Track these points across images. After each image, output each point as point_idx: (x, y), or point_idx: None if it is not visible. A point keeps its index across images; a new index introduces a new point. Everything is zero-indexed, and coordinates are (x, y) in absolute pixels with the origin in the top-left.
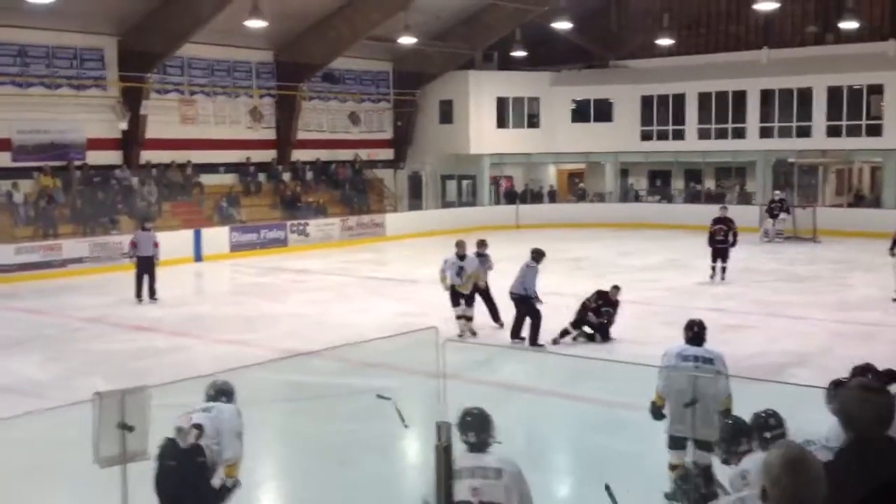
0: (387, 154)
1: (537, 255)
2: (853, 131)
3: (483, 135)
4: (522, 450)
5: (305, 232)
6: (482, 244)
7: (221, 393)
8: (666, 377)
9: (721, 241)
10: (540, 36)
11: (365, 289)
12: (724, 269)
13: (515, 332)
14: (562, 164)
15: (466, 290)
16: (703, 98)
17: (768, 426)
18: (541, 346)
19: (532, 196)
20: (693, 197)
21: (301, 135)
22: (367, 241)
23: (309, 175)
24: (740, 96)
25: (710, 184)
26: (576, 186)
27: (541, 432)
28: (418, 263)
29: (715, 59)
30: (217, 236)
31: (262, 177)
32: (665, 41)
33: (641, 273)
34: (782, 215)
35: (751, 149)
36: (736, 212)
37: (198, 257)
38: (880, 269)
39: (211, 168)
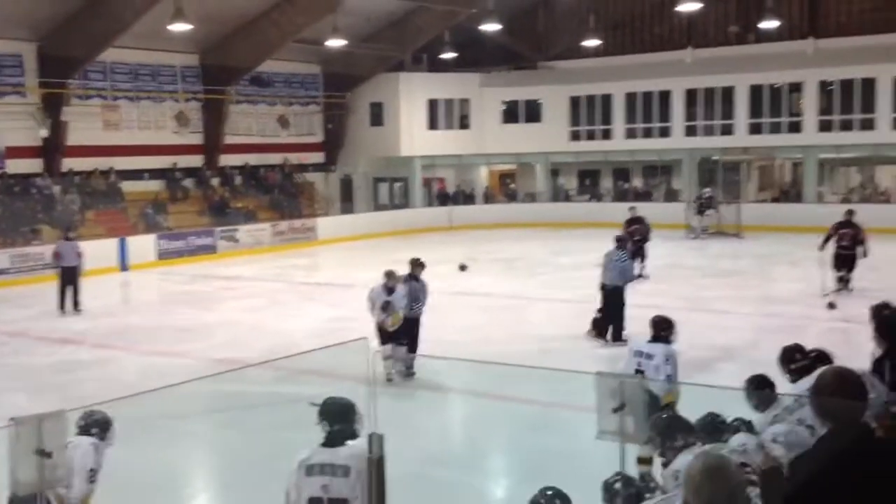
0: (317, 157)
1: (621, 242)
2: (774, 128)
3: (414, 137)
4: (459, 452)
5: (235, 238)
6: (417, 265)
7: (93, 425)
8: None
9: (639, 241)
10: (469, 38)
11: (298, 294)
12: (643, 268)
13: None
14: (493, 165)
15: (393, 326)
16: (630, 98)
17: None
18: (624, 340)
19: (464, 197)
20: (622, 195)
21: (229, 139)
22: (298, 245)
23: (238, 180)
24: (665, 96)
25: (637, 182)
26: (507, 187)
27: (476, 435)
28: (351, 267)
29: (641, 60)
30: (143, 244)
31: (189, 182)
32: (592, 42)
33: (573, 272)
34: (709, 211)
35: (676, 147)
36: (663, 209)
37: (123, 266)
38: (802, 263)
39: (136, 174)
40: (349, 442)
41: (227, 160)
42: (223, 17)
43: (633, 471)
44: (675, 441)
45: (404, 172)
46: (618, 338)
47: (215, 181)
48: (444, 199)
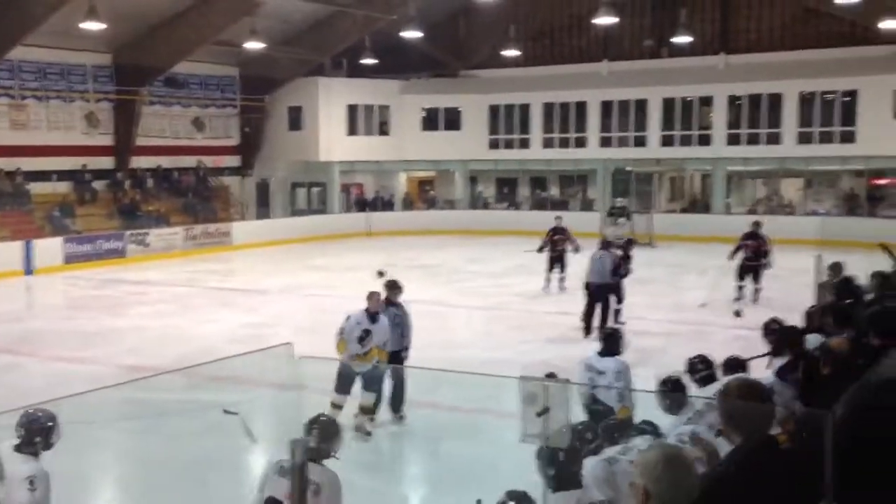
0: (233, 161)
1: (607, 245)
2: (685, 141)
3: (333, 142)
4: (378, 459)
5: (146, 242)
6: (394, 288)
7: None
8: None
9: (561, 251)
10: (390, 44)
11: (211, 300)
12: (562, 279)
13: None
14: (412, 172)
15: (364, 365)
16: (548, 108)
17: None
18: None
19: (383, 204)
20: (539, 204)
21: (141, 141)
22: (212, 250)
23: (150, 183)
24: (582, 107)
25: (554, 191)
26: (426, 194)
27: (401, 442)
28: (267, 273)
29: (558, 71)
30: (50, 247)
31: (99, 185)
32: (511, 52)
33: (490, 279)
34: (622, 220)
35: (592, 157)
36: (578, 218)
37: (28, 270)
38: (711, 271)
39: (43, 176)
40: (325, 462)
41: (139, 162)
42: (138, 17)
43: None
44: (588, 444)
45: (322, 178)
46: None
47: (126, 183)
48: (362, 205)
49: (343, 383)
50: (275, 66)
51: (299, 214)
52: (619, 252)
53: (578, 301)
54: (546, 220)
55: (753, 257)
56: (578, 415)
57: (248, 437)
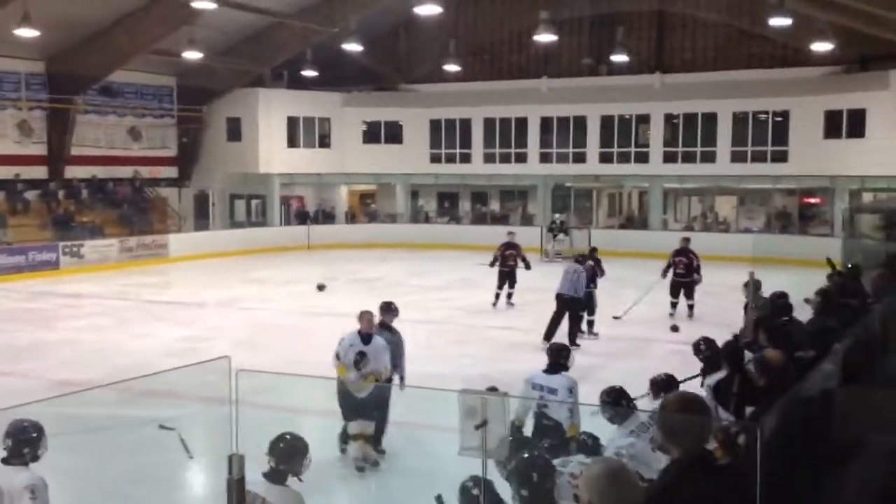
0: (170, 172)
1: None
2: (623, 158)
3: (273, 154)
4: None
5: (80, 254)
6: (389, 311)
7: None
8: (517, 402)
9: (512, 266)
10: (331, 56)
11: (147, 313)
12: (510, 295)
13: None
14: (353, 185)
15: (363, 391)
16: (489, 123)
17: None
18: (577, 345)
19: (324, 216)
20: (480, 218)
21: (76, 150)
22: (148, 262)
23: (84, 193)
24: (522, 123)
25: (495, 206)
26: (367, 207)
27: (338, 456)
28: (204, 286)
29: (499, 87)
30: None
31: (31, 195)
32: (452, 67)
33: (432, 293)
34: (561, 236)
35: (532, 173)
36: (519, 233)
37: None
38: (648, 286)
39: None
40: (290, 482)
41: (73, 172)
42: (73, 24)
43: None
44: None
45: (262, 190)
46: (573, 342)
47: (60, 194)
48: (303, 217)
49: (349, 409)
50: (213, 76)
51: (238, 227)
52: (591, 263)
53: (523, 316)
54: (487, 234)
55: (685, 273)
56: (528, 429)
57: (185, 453)
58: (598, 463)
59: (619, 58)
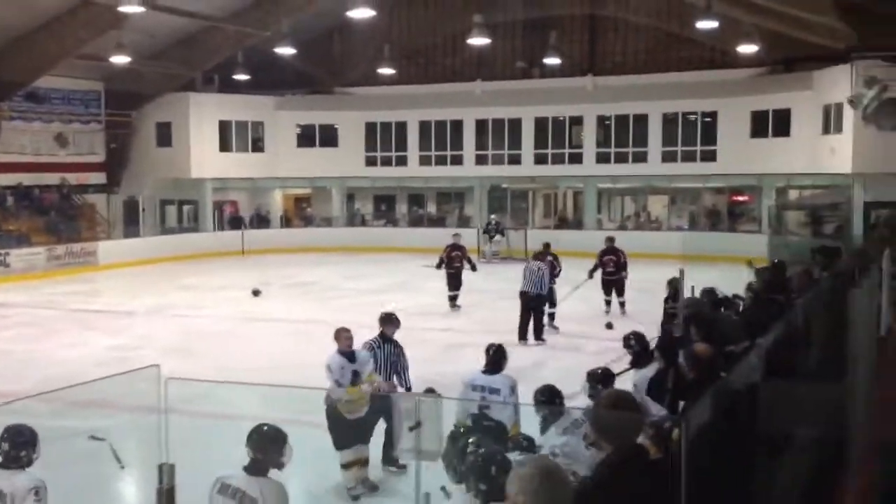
0: (99, 178)
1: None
2: (558, 159)
3: (205, 158)
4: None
5: (6, 262)
6: (390, 322)
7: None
8: (457, 406)
9: (458, 268)
10: (263, 60)
11: (76, 322)
12: (455, 297)
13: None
14: (288, 189)
15: (357, 410)
16: (424, 126)
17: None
18: (543, 339)
19: (258, 221)
20: (417, 221)
21: (1, 157)
22: (77, 271)
23: (10, 201)
24: (457, 125)
25: (432, 208)
26: (303, 211)
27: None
28: (135, 293)
29: (434, 90)
30: None
31: None
32: (386, 70)
33: (369, 296)
34: (497, 237)
35: (468, 175)
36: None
37: None
38: (585, 285)
39: None
40: (271, 473)
41: None
42: None
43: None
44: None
45: (194, 195)
46: (539, 337)
47: None
48: (236, 222)
49: (341, 436)
50: (142, 80)
51: (170, 233)
52: (550, 259)
53: (461, 317)
54: (424, 236)
55: (615, 271)
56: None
57: (117, 463)
58: (531, 462)
59: (552, 61)
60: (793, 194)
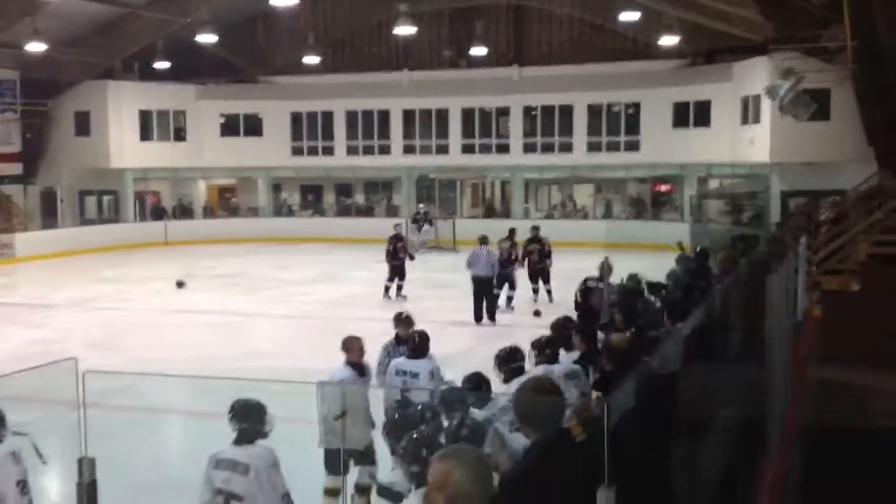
0: (14, 169)
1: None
2: (485, 149)
3: (125, 148)
4: (179, 475)
5: None
6: (405, 323)
7: None
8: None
9: (402, 259)
10: (185, 47)
11: None
12: (400, 287)
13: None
14: (212, 179)
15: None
16: (351, 116)
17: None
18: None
19: (182, 212)
20: (344, 210)
21: None
22: None
23: None
24: (385, 115)
25: (360, 198)
26: (228, 202)
27: (198, 456)
28: (55, 286)
29: (360, 79)
30: None
31: None
32: (311, 59)
33: (297, 286)
34: (426, 227)
35: (396, 164)
36: (385, 224)
37: None
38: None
39: None
40: (259, 441)
41: None
42: None
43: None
44: (401, 442)
45: (115, 185)
46: (492, 318)
47: None
48: (159, 213)
49: (333, 459)
50: (59, 68)
51: (89, 224)
52: (507, 244)
53: (390, 307)
54: (352, 226)
55: (539, 260)
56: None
57: (39, 458)
58: (450, 453)
59: (479, 51)
60: (714, 183)
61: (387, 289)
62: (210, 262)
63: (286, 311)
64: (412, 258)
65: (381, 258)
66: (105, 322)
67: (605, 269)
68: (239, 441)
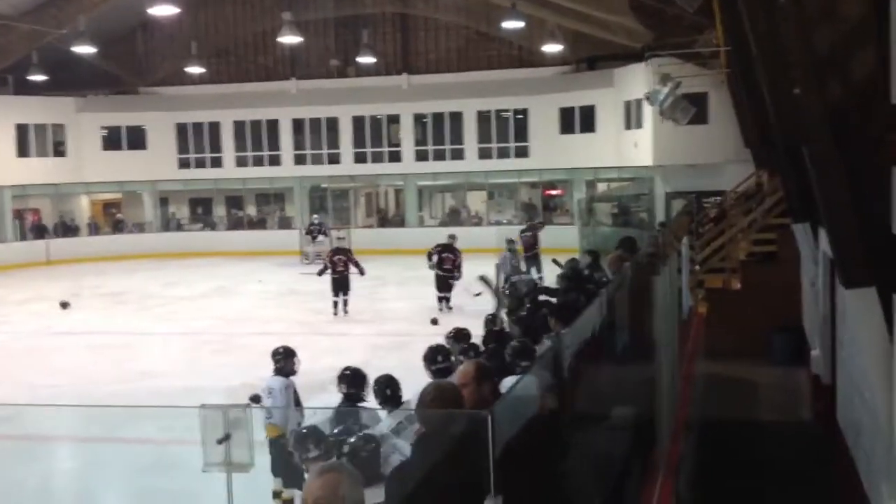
0: None
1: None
2: (377, 157)
3: (1, 165)
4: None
5: None
6: (461, 338)
7: None
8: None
9: (342, 272)
10: (62, 59)
11: None
12: (345, 302)
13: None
14: (95, 195)
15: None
16: (239, 126)
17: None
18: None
19: (64, 229)
20: (236, 223)
21: None
22: None
23: None
24: (273, 125)
25: (251, 210)
26: (113, 217)
27: (88, 482)
28: None
29: (247, 89)
30: None
31: None
32: (195, 69)
33: (188, 302)
34: (320, 237)
35: (287, 175)
36: (277, 237)
37: None
38: (409, 282)
39: None
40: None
41: None
42: None
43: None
44: (308, 453)
45: None
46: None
47: None
48: (39, 231)
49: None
50: None
51: None
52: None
53: (281, 320)
54: (244, 239)
55: (451, 269)
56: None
57: None
58: (323, 466)
59: (366, 59)
60: (602, 187)
61: (335, 304)
62: (95, 281)
63: (176, 328)
64: (361, 273)
65: (307, 271)
66: None
67: (497, 276)
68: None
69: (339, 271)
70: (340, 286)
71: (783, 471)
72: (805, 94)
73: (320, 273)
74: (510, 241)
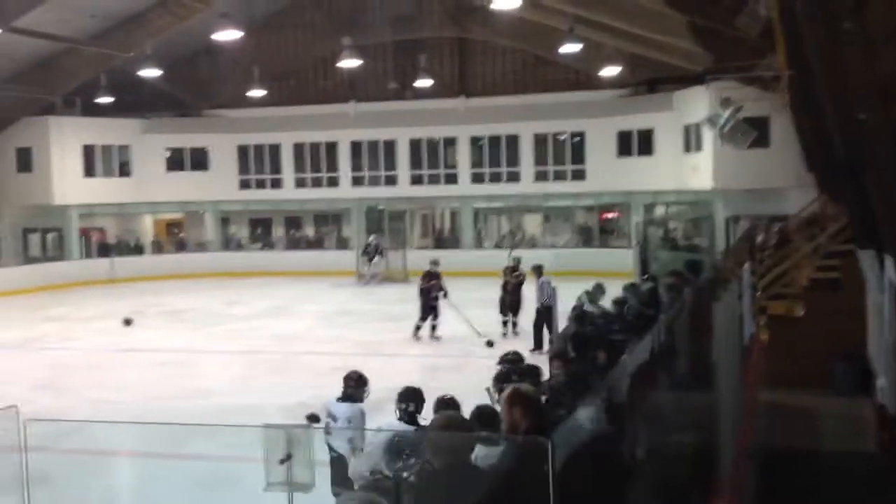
0: None
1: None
2: (434, 179)
3: (69, 184)
4: None
5: None
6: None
7: None
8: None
9: (434, 297)
10: (128, 82)
11: None
12: (434, 327)
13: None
14: (159, 214)
15: None
16: (298, 148)
17: None
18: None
19: (129, 248)
20: (294, 243)
21: None
22: None
23: None
24: (332, 147)
25: (309, 230)
26: (175, 236)
27: (149, 497)
28: None
29: (307, 111)
30: None
31: None
32: (256, 92)
33: (247, 321)
34: (376, 258)
35: (344, 196)
36: (335, 257)
37: None
38: (466, 304)
39: None
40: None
41: None
42: None
43: None
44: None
45: (58, 222)
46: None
47: None
48: (105, 250)
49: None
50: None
51: (33, 262)
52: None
53: (341, 340)
54: (302, 259)
55: (436, 297)
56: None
57: None
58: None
59: (424, 83)
60: (660, 210)
61: (418, 328)
62: (158, 299)
63: (236, 346)
64: (445, 296)
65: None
66: (52, 363)
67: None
68: (342, 398)
69: (433, 296)
70: (431, 310)
71: (846, 501)
72: (869, 118)
73: (429, 299)
74: (538, 268)
